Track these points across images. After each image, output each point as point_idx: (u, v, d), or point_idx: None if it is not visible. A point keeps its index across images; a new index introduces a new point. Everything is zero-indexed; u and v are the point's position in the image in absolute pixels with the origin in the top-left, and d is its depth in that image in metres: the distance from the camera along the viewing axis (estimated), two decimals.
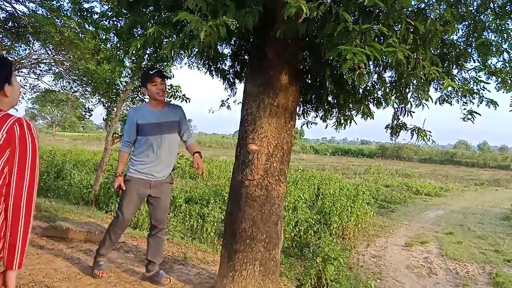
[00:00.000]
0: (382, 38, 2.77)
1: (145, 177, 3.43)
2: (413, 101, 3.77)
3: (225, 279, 3.32)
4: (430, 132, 3.52)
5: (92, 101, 11.16)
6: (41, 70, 13.98)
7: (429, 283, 6.43)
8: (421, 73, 2.73)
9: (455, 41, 3.43)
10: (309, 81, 3.94)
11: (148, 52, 4.02)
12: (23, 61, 13.12)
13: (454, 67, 3.51)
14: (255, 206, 3.26)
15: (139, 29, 3.73)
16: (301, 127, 4.51)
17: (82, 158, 16.69)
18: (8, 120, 1.57)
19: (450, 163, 43.96)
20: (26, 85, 14.82)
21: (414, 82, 3.26)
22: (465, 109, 3.39)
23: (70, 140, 36.59)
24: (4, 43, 12.04)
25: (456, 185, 21.59)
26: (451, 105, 3.63)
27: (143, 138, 3.43)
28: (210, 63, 4.19)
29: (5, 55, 12.61)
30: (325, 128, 4.42)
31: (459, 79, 3.51)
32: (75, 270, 3.61)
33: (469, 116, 3.35)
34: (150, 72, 3.45)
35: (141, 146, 3.45)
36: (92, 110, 10.11)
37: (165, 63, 7.75)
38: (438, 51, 3.37)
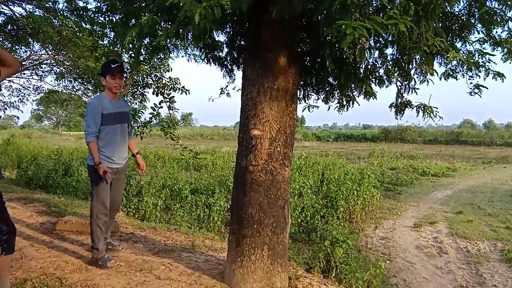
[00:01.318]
0: (381, 12, 2.70)
1: (113, 165, 3.57)
2: (417, 77, 3.70)
3: (233, 264, 3.30)
4: (436, 108, 3.44)
5: None
6: (43, 71, 14.02)
7: (440, 262, 6.40)
8: (425, 46, 2.66)
9: (457, 13, 3.34)
10: (309, 63, 3.86)
11: (144, 44, 3.97)
12: (24, 63, 13.10)
13: (457, 40, 3.43)
14: (261, 191, 3.22)
15: (134, 20, 3.67)
16: (302, 111, 4.45)
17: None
18: None
19: (456, 143, 43.57)
20: (29, 87, 14.87)
21: (417, 57, 3.19)
22: (471, 83, 3.32)
23: (76, 139, 36.70)
24: (4, 46, 12.01)
25: (463, 165, 21.42)
26: (456, 79, 3.54)
27: (107, 127, 3.53)
28: (207, 51, 4.13)
29: None
30: (328, 110, 4.34)
31: (463, 53, 3.42)
32: (85, 261, 3.61)
33: (476, 90, 3.28)
34: (112, 65, 3.55)
35: (106, 135, 3.54)
36: None
37: (162, 56, 7.68)
38: (441, 24, 3.28)
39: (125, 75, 3.68)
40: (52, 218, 5.03)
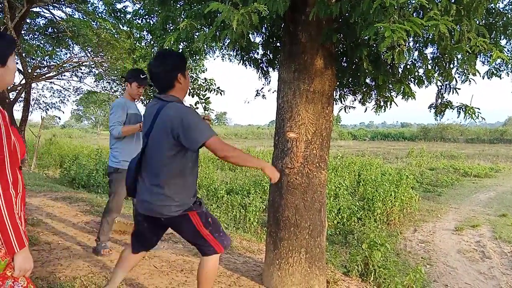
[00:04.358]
0: (421, 12, 2.64)
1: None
2: (459, 77, 3.58)
3: (271, 266, 3.33)
4: (479, 109, 3.32)
5: None
6: (82, 73, 14.56)
7: (483, 268, 6.16)
8: (467, 46, 2.57)
9: (501, 10, 3.21)
10: (345, 64, 3.82)
11: (181, 46, 4.06)
12: (65, 65, 13.65)
13: (501, 38, 3.29)
14: (297, 194, 3.23)
15: (171, 24, 3.76)
16: (339, 112, 4.41)
17: None
18: None
19: (500, 142, 41.57)
20: (70, 88, 15.50)
21: (459, 56, 3.09)
22: None
23: None
24: (46, 49, 12.56)
25: (507, 165, 20.41)
26: (500, 78, 3.42)
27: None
28: (243, 53, 4.17)
29: (47, 60, 13.15)
30: (365, 111, 4.28)
31: (508, 50, 3.29)
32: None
33: None
34: (141, 75, 3.77)
35: (129, 136, 3.72)
36: None
37: (198, 57, 7.81)
38: (484, 21, 3.17)
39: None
40: (96, 218, 5.22)
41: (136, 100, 3.88)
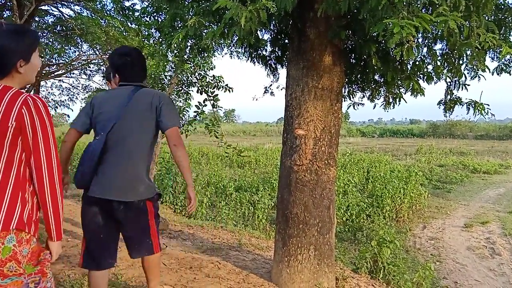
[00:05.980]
0: (430, 8, 2.63)
1: None
2: (468, 73, 3.56)
3: (280, 264, 3.34)
4: (488, 105, 3.29)
5: None
6: (91, 71, 14.59)
7: (493, 264, 6.13)
8: (476, 42, 2.55)
9: (511, 5, 3.18)
10: (354, 61, 3.81)
11: (189, 44, 4.07)
12: (74, 63, 13.73)
13: (511, 33, 3.26)
14: (306, 191, 3.23)
15: (179, 22, 3.78)
16: (347, 108, 4.40)
17: None
18: (16, 103, 1.53)
19: (509, 138, 40.94)
20: (78, 86, 15.58)
21: (468, 52, 3.07)
22: None
23: None
24: (54, 47, 12.65)
25: None
26: (510, 74, 3.38)
27: None
28: (251, 50, 4.17)
29: (56, 58, 13.25)
30: (373, 108, 4.27)
31: None
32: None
33: None
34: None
35: None
36: None
37: (205, 54, 7.82)
38: (493, 17, 3.14)
39: None
40: None
41: None
